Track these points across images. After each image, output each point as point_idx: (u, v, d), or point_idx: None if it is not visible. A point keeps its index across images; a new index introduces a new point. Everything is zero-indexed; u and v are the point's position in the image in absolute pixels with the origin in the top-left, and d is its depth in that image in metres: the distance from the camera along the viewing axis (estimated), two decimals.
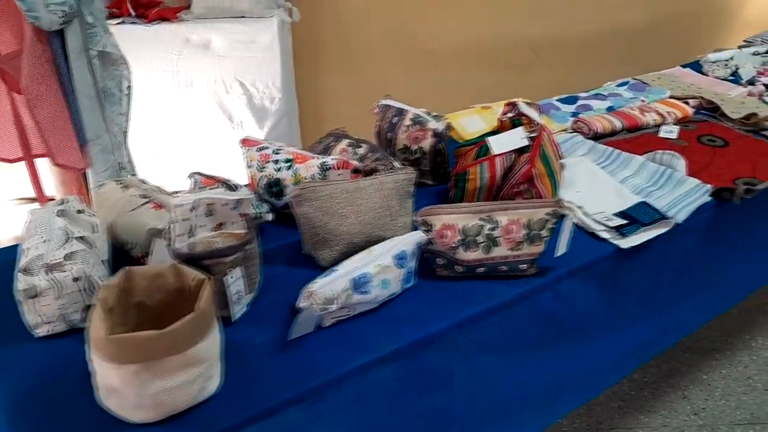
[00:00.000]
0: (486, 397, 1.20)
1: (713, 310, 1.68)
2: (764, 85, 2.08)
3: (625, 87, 2.02)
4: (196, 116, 3.03)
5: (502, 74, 3.44)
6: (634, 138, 1.68)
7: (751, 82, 2.11)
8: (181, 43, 2.89)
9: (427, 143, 1.39)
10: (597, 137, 1.69)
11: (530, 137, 1.29)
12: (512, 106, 1.38)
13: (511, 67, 3.43)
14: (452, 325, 1.03)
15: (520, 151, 1.28)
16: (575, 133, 1.68)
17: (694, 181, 1.41)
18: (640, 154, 1.56)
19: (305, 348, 0.96)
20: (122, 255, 1.14)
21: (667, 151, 1.49)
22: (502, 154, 1.27)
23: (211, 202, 0.99)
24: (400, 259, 1.03)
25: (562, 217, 1.11)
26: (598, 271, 1.23)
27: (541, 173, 1.23)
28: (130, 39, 2.86)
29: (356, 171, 1.23)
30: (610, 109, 1.84)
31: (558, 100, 1.92)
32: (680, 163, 1.46)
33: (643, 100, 1.85)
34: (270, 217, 1.24)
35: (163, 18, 2.88)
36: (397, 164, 1.30)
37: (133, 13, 2.91)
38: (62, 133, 1.82)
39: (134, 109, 2.98)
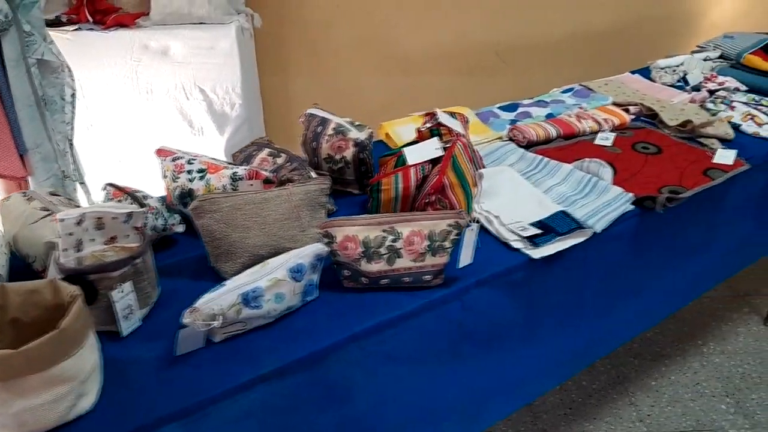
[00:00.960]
0: (400, 409, 1.19)
1: (643, 322, 1.68)
2: (709, 91, 2.09)
3: (570, 93, 2.02)
4: (157, 123, 3.02)
5: (468, 78, 3.45)
6: (569, 146, 1.68)
7: (697, 89, 2.12)
8: (140, 50, 2.88)
9: (349, 153, 1.38)
10: (531, 145, 1.69)
11: (445, 147, 1.29)
12: (431, 116, 1.38)
13: (477, 71, 3.43)
14: (348, 337, 1.03)
15: (435, 161, 1.28)
16: (509, 142, 1.68)
17: (617, 190, 1.41)
18: (571, 162, 1.56)
19: (192, 364, 0.95)
20: (26, 268, 1.13)
21: (594, 160, 1.49)
22: (416, 164, 1.26)
23: (99, 216, 0.98)
24: (296, 272, 1.03)
25: (470, 226, 1.11)
26: (510, 281, 1.22)
27: (453, 183, 1.23)
28: (88, 45, 2.87)
29: (268, 181, 1.22)
30: (549, 117, 1.85)
31: (499, 108, 1.92)
32: (606, 172, 1.46)
33: (581, 108, 1.85)
34: (181, 228, 1.23)
35: (121, 24, 2.87)
36: (313, 174, 1.29)
37: (91, 20, 2.90)
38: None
39: (96, 115, 2.99)
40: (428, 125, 1.38)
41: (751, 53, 2.18)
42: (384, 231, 1.08)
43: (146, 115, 3.00)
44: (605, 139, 1.71)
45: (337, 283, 1.13)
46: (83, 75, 2.86)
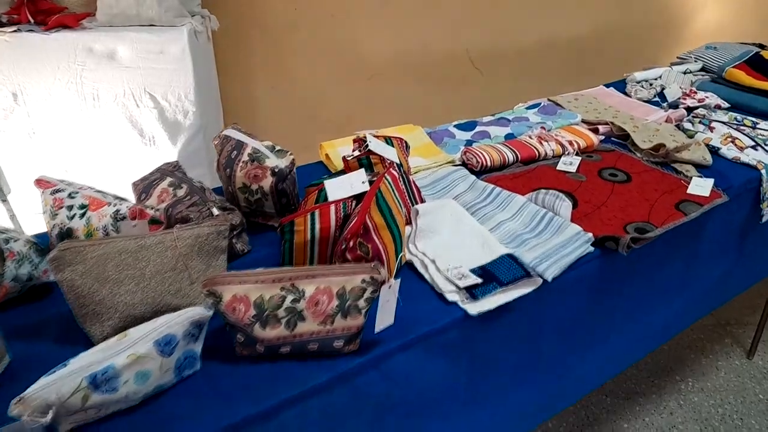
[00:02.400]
0: None
1: (613, 368, 1.50)
2: (687, 108, 1.91)
3: (535, 110, 1.84)
4: (105, 131, 2.81)
5: (437, 87, 3.27)
6: (526, 172, 1.50)
7: (675, 105, 1.95)
8: (84, 53, 2.68)
9: (266, 183, 1.19)
10: (486, 170, 1.50)
11: (372, 181, 1.10)
12: (360, 142, 1.19)
13: (447, 79, 3.25)
14: (234, 425, 0.84)
15: (361, 197, 1.09)
16: (460, 167, 1.49)
17: (574, 229, 1.22)
18: (527, 192, 1.38)
19: None
20: None
21: (551, 191, 1.31)
22: (337, 201, 1.07)
23: None
24: (165, 345, 0.83)
25: (389, 283, 0.92)
26: (444, 341, 1.04)
27: (378, 225, 1.04)
28: (28, 48, 2.66)
29: (154, 222, 1.03)
30: (508, 137, 1.66)
31: (455, 126, 1.73)
32: (564, 206, 1.28)
33: (543, 128, 1.67)
34: (52, 276, 1.03)
35: (64, 26, 2.66)
36: (215, 211, 1.10)
37: (32, 20, 2.69)
38: None
39: (38, 122, 2.78)
40: (356, 153, 1.19)
41: (734, 67, 2.01)
42: (282, 289, 0.89)
43: (93, 122, 2.79)
44: (569, 164, 1.53)
45: (231, 349, 0.94)
46: (23, 80, 2.66)
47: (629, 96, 2.05)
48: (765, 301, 2.20)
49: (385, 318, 0.94)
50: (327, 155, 1.55)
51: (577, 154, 1.58)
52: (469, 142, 1.65)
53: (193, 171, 2.88)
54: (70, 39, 2.64)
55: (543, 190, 1.32)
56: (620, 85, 2.16)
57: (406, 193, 1.20)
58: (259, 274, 0.89)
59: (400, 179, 1.19)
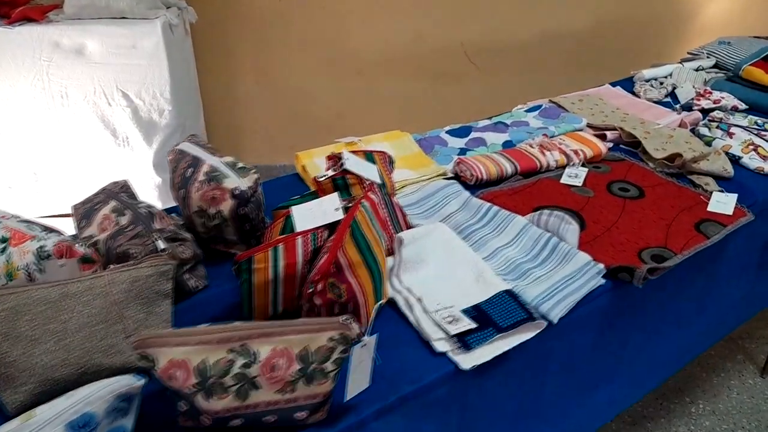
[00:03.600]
0: None
1: (620, 403, 1.35)
2: (702, 110, 1.75)
3: (536, 113, 1.67)
4: (76, 132, 2.63)
5: (431, 82, 3.09)
6: (527, 186, 1.33)
7: (688, 107, 1.78)
8: (51, 48, 2.49)
9: (226, 207, 1.02)
10: (482, 184, 1.34)
11: (347, 207, 0.94)
12: (335, 160, 1.02)
13: (442, 74, 3.08)
14: None
15: (335, 226, 0.93)
16: (453, 181, 1.33)
17: (582, 258, 1.06)
18: (528, 211, 1.22)
19: None
20: None
21: (556, 212, 1.14)
22: (305, 231, 0.91)
23: None
24: (83, 427, 0.67)
25: (362, 341, 0.76)
26: (431, 401, 0.88)
27: (353, 262, 0.88)
28: None
29: (87, 261, 0.86)
30: (507, 145, 1.50)
31: (448, 132, 1.57)
32: (570, 230, 1.11)
33: (545, 135, 1.50)
34: None
35: (28, 18, 2.47)
36: (162, 244, 0.93)
37: None
38: None
39: (1, 123, 2.59)
40: (329, 173, 1.02)
41: (751, 64, 1.85)
42: (230, 351, 0.73)
43: (62, 122, 2.61)
44: (574, 176, 1.37)
45: (174, 418, 0.78)
46: None
47: (638, 96, 1.88)
48: None
49: (358, 382, 0.78)
50: (303, 167, 1.38)
51: (583, 165, 1.41)
52: (462, 151, 1.48)
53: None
54: (35, 33, 2.45)
55: (546, 210, 1.16)
56: (628, 84, 1.99)
57: (388, 219, 1.04)
58: (201, 333, 0.73)
59: (382, 203, 1.02)
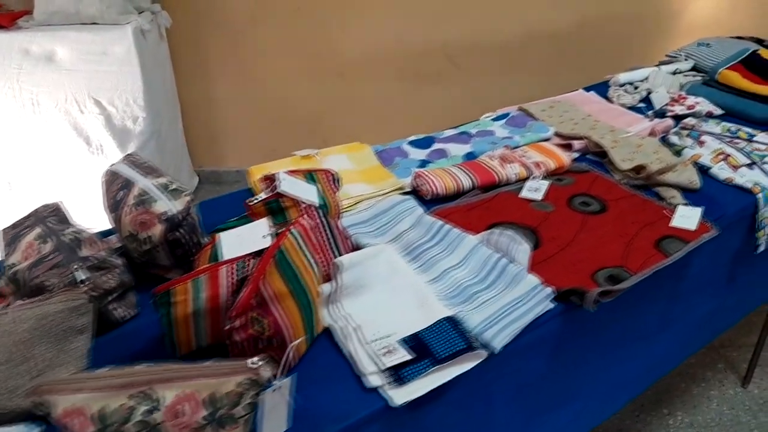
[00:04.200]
0: None
1: (583, 424, 1.30)
2: (676, 116, 1.70)
3: (503, 121, 1.62)
4: (48, 140, 2.59)
5: (412, 84, 3.04)
6: (485, 201, 1.29)
7: (662, 113, 1.73)
8: (20, 55, 2.45)
9: (156, 231, 0.98)
10: (439, 199, 1.29)
11: (278, 233, 0.89)
12: (269, 181, 0.98)
13: (423, 75, 3.03)
14: None
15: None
16: (408, 197, 1.28)
17: (531, 281, 1.02)
18: (483, 229, 1.17)
19: None
20: None
21: (507, 231, 1.10)
22: (231, 260, 0.86)
23: None
24: None
25: (273, 385, 0.72)
26: None
27: (279, 294, 0.83)
28: None
29: None
30: (468, 157, 1.45)
31: (410, 143, 1.52)
32: (520, 250, 1.07)
33: (507, 147, 1.45)
34: None
35: None
36: (81, 275, 0.89)
37: None
38: None
39: None
40: (261, 197, 0.98)
41: (728, 68, 1.79)
42: (132, 397, 0.69)
43: (34, 130, 2.57)
44: (534, 190, 1.32)
45: None
46: None
47: (611, 101, 1.83)
48: (764, 320, 2.00)
49: (274, 425, 0.74)
50: (255, 183, 1.33)
51: (545, 178, 1.37)
52: (423, 163, 1.44)
53: None
54: (4, 40, 2.41)
55: (497, 230, 1.11)
56: (603, 88, 1.94)
57: (327, 244, 0.99)
58: (101, 377, 0.69)
59: (319, 227, 0.98)
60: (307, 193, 0.98)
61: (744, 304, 1.58)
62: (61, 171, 2.65)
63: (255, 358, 0.71)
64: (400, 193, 1.32)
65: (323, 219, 0.99)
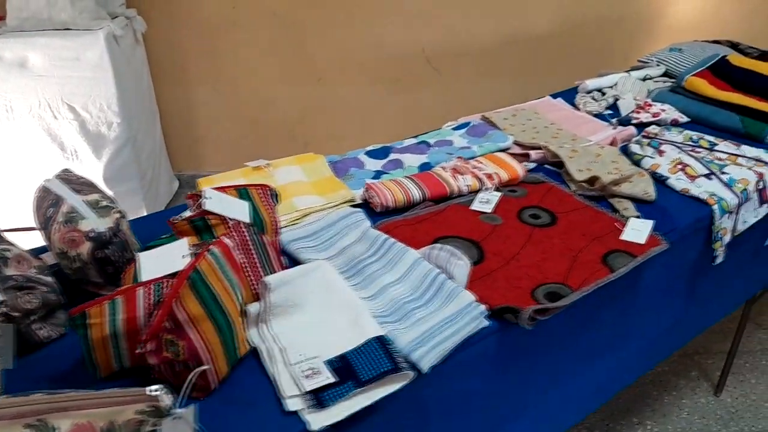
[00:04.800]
0: None
1: None
2: (641, 124, 1.68)
3: (463, 131, 1.61)
4: (23, 146, 2.59)
5: (392, 88, 3.03)
6: (434, 214, 1.27)
7: (627, 121, 1.71)
8: None
9: (84, 249, 0.97)
10: (390, 212, 1.28)
11: (196, 254, 0.88)
12: (195, 198, 0.96)
13: (402, 80, 3.01)
14: None
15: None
16: (357, 210, 1.26)
17: (466, 298, 1.00)
18: (428, 243, 1.15)
19: None
20: None
21: (447, 246, 1.08)
22: (148, 282, 0.85)
23: None
24: None
25: (175, 413, 0.70)
26: None
27: (195, 316, 0.82)
28: None
29: None
30: (423, 168, 1.43)
31: (366, 153, 1.50)
32: (459, 266, 1.05)
33: (460, 158, 1.44)
34: None
35: None
36: None
37: None
38: None
39: None
40: (185, 215, 0.96)
41: (695, 74, 1.77)
42: (28, 427, 0.67)
43: (8, 136, 2.56)
44: (486, 202, 1.30)
45: None
46: None
47: (578, 109, 1.81)
48: (736, 327, 1.98)
49: None
50: None
51: (497, 189, 1.35)
52: (378, 174, 1.42)
53: (122, 186, 2.66)
54: None
55: (438, 245, 1.10)
56: (572, 95, 1.92)
57: (259, 263, 0.98)
58: None
59: (248, 244, 0.96)
60: (237, 210, 0.96)
61: (705, 317, 1.56)
62: (36, 177, 2.62)
63: (154, 386, 0.69)
64: (351, 206, 1.30)
65: (254, 236, 0.98)
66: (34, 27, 2.46)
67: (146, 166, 2.81)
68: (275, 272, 0.99)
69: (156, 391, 0.69)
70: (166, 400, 0.69)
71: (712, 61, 1.81)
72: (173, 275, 0.86)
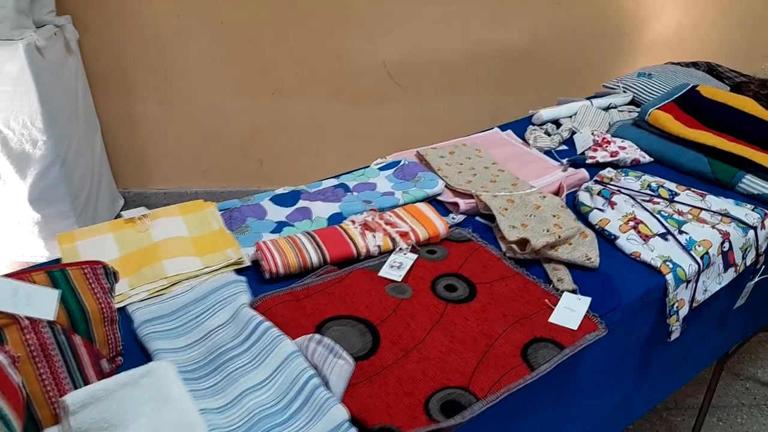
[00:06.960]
0: None
1: None
2: (597, 164, 1.47)
3: (390, 171, 1.40)
4: None
5: (352, 104, 2.82)
6: (332, 283, 1.06)
7: (582, 160, 1.50)
8: None
9: None
10: (279, 278, 1.07)
11: None
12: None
13: (364, 95, 2.80)
14: None
15: None
16: (240, 278, 1.05)
17: (337, 415, 0.79)
18: (313, 327, 0.95)
19: None
20: None
21: (326, 340, 0.88)
22: None
23: None
24: None
25: None
26: None
27: None
28: None
29: None
30: (333, 219, 1.23)
31: (272, 199, 1.29)
32: (337, 365, 0.85)
33: (373, 210, 1.23)
34: None
35: None
36: None
37: None
38: None
39: None
40: None
41: (660, 107, 1.57)
42: None
43: None
44: (397, 267, 1.10)
45: None
46: None
47: (528, 143, 1.60)
48: (710, 378, 1.79)
49: None
50: (65, 251, 1.11)
51: (415, 249, 1.14)
52: (280, 226, 1.21)
53: (50, 208, 2.44)
54: None
55: (317, 335, 0.89)
56: (525, 124, 1.72)
57: (62, 372, 0.77)
58: None
59: (54, 348, 0.75)
60: (37, 304, 0.76)
61: (661, 389, 1.36)
62: None
63: None
64: (238, 269, 1.10)
65: (59, 337, 0.77)
66: None
67: (80, 185, 2.59)
68: (91, 382, 0.78)
69: None
70: None
71: (680, 92, 1.61)
72: None
